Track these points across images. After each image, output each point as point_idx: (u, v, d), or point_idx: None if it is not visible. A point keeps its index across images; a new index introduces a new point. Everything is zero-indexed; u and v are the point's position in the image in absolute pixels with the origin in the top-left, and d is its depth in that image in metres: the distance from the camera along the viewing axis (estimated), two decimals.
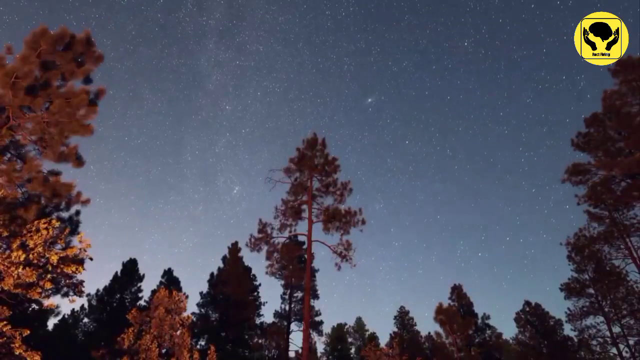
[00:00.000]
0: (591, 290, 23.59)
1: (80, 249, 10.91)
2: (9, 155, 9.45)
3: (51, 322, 27.46)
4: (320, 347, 38.54)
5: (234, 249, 27.50)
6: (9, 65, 9.40)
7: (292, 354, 35.69)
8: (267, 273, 24.04)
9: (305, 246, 19.12)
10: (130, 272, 26.75)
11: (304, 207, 16.64)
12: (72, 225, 10.54)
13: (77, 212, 10.60)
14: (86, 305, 26.82)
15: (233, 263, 26.73)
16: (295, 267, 25.32)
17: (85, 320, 26.73)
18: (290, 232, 16.41)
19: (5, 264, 7.45)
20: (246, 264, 27.45)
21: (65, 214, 10.42)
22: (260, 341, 26.22)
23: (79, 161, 10.51)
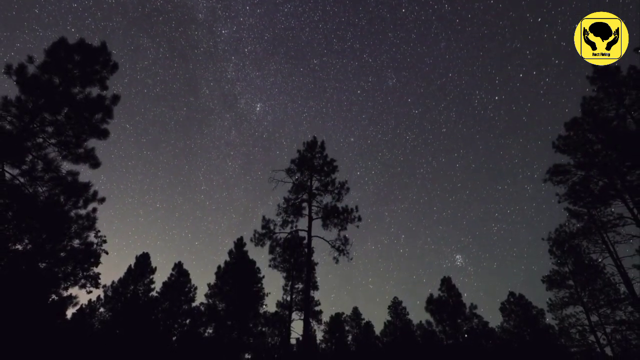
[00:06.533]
0: (571, 282, 23.64)
1: (96, 244, 10.95)
2: (30, 157, 9.47)
3: (70, 312, 27.51)
4: (319, 335, 38.65)
5: (239, 243, 27.52)
6: (30, 73, 9.44)
7: (293, 342, 35.77)
8: (270, 266, 24.26)
9: (305, 241, 19.15)
10: (143, 265, 26.79)
11: (305, 205, 16.67)
12: (89, 222, 10.55)
13: (94, 210, 10.61)
14: (102, 296, 26.87)
15: (238, 257, 26.75)
16: (296, 260, 25.35)
17: (102, 310, 26.78)
18: (291, 228, 16.41)
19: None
20: (250, 257, 27.49)
21: (82, 212, 10.43)
22: (263, 329, 26.24)
23: (95, 162, 10.54)
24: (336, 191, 16.63)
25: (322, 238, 15.97)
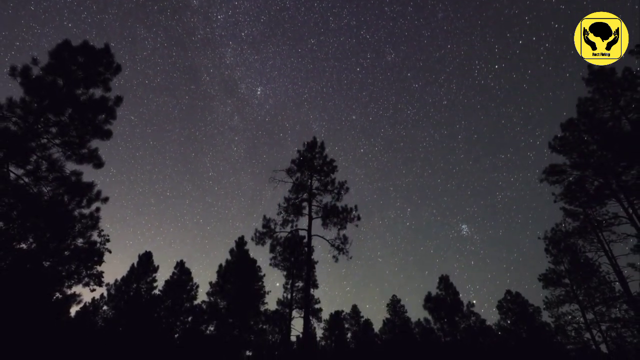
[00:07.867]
0: (567, 281, 23.66)
1: (99, 243, 10.96)
2: (35, 157, 9.48)
3: (73, 310, 27.52)
4: (319, 333, 38.66)
5: (240, 243, 27.52)
6: (34, 74, 9.45)
7: (293, 339, 35.80)
8: (270, 264, 24.25)
9: (305, 240, 19.18)
10: (145, 264, 26.80)
11: (305, 204, 16.68)
12: (92, 221, 10.56)
13: (97, 209, 10.62)
14: (105, 294, 26.89)
15: (239, 255, 26.76)
16: (296, 259, 25.38)
17: (105, 308, 26.79)
18: (291, 227, 16.42)
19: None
20: (251, 256, 27.50)
21: (86, 211, 10.44)
22: (264, 327, 26.26)
23: (98, 163, 10.55)
24: (336, 191, 16.65)
25: (322, 237, 16.00)
